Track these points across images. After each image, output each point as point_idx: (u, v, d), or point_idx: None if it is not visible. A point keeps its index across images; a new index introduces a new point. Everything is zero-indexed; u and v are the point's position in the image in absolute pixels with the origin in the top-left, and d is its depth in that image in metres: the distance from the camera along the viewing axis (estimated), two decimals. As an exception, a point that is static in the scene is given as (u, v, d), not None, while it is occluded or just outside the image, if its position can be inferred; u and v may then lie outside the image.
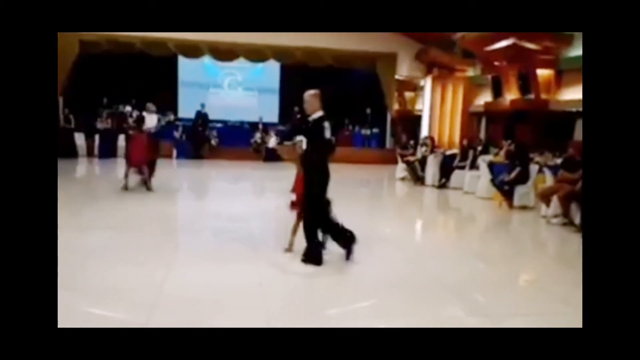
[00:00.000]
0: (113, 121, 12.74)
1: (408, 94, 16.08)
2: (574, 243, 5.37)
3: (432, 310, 3.31)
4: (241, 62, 13.63)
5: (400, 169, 10.68)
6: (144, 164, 7.49)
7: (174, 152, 12.96)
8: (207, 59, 13.91)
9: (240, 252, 4.25)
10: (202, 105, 13.95)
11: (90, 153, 12.32)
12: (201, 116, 13.71)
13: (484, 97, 12.01)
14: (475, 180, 8.54)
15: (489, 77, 11.38)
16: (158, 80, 14.64)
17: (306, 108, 4.16)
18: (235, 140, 14.02)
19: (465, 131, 12.51)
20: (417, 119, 14.50)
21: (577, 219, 5.83)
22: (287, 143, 4.14)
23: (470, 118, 12.89)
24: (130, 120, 8.08)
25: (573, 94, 9.03)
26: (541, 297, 3.64)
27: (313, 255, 4.08)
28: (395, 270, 4.18)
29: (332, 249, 4.26)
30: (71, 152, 11.82)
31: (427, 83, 13.77)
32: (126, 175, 7.47)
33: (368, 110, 15.13)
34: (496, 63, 10.56)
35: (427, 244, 5.75)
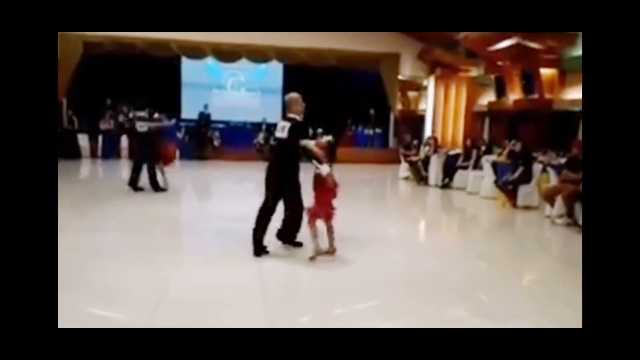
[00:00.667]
0: (115, 122, 12.78)
1: (411, 94, 16.08)
2: (578, 243, 5.32)
3: (436, 310, 3.30)
4: (244, 63, 13.62)
5: (404, 169, 10.67)
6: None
7: (177, 153, 12.98)
8: (210, 60, 13.91)
9: (243, 252, 4.26)
10: (205, 106, 13.98)
11: (93, 154, 12.37)
12: (204, 117, 13.74)
13: (488, 97, 11.99)
14: (479, 180, 8.50)
15: (493, 76, 11.35)
16: (161, 82, 14.66)
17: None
18: (238, 141, 14.02)
19: (468, 131, 12.47)
20: (421, 119, 14.49)
21: (581, 219, 5.80)
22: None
23: (474, 118, 12.85)
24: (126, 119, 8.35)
25: (577, 93, 8.98)
26: (545, 298, 3.63)
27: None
28: (398, 270, 4.18)
29: (337, 252, 4.27)
30: (74, 154, 11.91)
31: (430, 83, 13.75)
32: (163, 173, 7.70)
33: (371, 111, 15.11)
34: (499, 63, 10.54)
35: (430, 244, 5.73)
